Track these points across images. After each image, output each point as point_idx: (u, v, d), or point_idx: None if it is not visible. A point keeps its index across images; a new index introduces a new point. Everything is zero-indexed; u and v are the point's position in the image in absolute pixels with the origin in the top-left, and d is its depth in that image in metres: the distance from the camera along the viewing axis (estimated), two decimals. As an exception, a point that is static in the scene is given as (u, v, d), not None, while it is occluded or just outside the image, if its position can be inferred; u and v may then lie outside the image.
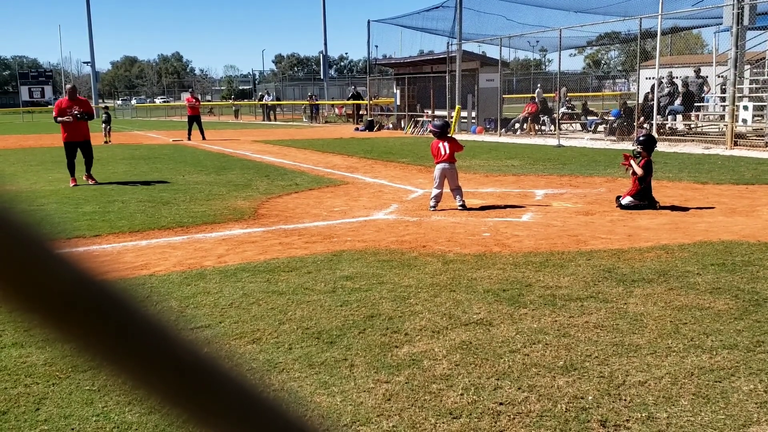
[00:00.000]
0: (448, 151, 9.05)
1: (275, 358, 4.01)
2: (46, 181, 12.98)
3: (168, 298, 5.22)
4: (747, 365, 3.76)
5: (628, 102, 22.49)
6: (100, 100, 60.62)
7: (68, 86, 12.94)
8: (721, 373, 3.68)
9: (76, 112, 11.98)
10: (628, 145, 18.12)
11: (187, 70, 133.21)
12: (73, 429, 3.20)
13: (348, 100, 40.20)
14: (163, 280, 5.77)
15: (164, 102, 73.44)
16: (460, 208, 9.02)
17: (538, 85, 33.05)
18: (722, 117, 19.02)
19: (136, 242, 7.43)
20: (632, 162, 8.88)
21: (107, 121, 24.91)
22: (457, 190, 9.11)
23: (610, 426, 3.14)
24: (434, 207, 9.07)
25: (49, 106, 41.06)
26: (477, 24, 28.28)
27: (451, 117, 26.65)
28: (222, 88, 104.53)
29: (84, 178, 12.37)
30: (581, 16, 25.91)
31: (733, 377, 3.62)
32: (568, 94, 30.44)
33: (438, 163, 9.09)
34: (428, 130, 9.59)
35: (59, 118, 12.04)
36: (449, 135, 9.45)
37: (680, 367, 3.76)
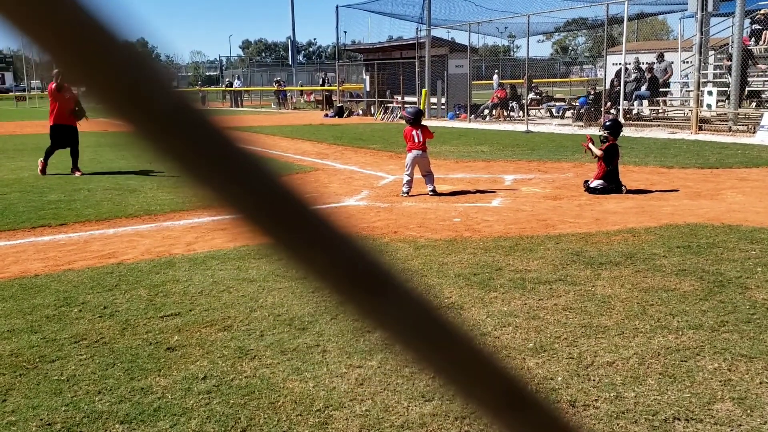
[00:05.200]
0: (421, 139, 9.07)
1: (247, 345, 3.99)
2: (8, 170, 12.70)
3: (137, 287, 5.16)
4: (712, 344, 3.85)
5: (597, 87, 22.72)
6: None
7: (56, 71, 12.36)
8: (686, 352, 3.76)
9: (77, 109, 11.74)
10: (596, 131, 18.33)
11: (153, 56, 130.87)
12: (41, 419, 3.15)
13: (321, 85, 39.82)
14: (131, 268, 5.70)
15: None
16: (431, 193, 9.05)
17: (495, 72, 33.49)
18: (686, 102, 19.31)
19: (103, 231, 7.32)
20: (590, 145, 9.04)
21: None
22: (428, 176, 9.15)
23: (579, 406, 3.19)
24: (407, 193, 9.08)
25: (10, 93, 40.05)
26: (446, 10, 28.29)
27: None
28: (188, 74, 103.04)
29: (73, 173, 11.95)
30: (549, 2, 26.03)
31: (698, 356, 3.70)
32: (534, 81, 30.65)
33: (411, 150, 9.08)
34: (400, 116, 9.58)
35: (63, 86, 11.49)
36: (422, 123, 9.43)
37: (647, 348, 3.83)
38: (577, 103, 23.26)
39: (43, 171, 11.86)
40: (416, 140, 9.05)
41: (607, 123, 9.48)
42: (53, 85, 12.01)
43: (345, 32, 45.35)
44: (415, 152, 9.04)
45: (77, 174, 11.89)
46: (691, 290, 4.82)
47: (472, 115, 25.06)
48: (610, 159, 8.88)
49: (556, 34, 56.13)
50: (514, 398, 0.43)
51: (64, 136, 11.87)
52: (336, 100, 34.27)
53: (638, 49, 24.52)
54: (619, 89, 19.53)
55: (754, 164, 11.40)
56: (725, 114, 17.52)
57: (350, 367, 3.66)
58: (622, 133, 9.44)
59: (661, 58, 21.03)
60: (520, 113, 24.14)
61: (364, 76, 32.16)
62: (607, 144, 8.93)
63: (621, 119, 18.52)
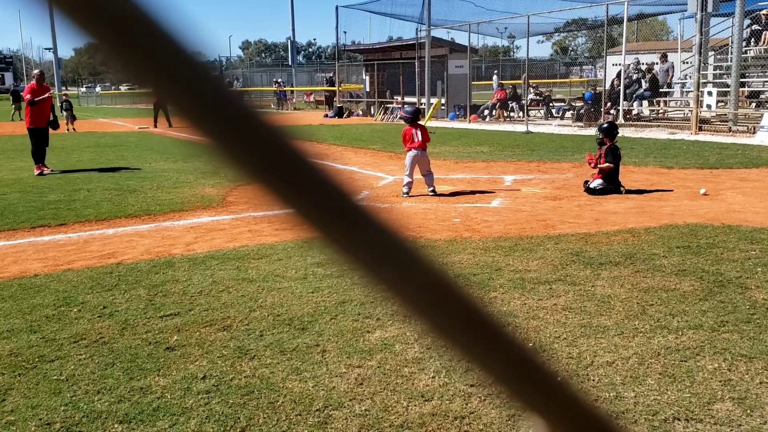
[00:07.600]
0: (420, 138, 9.05)
1: (246, 344, 3.99)
2: (8, 170, 12.70)
3: (136, 287, 5.16)
4: (711, 344, 3.85)
5: (597, 88, 22.72)
6: (63, 88, 59.28)
7: (37, 72, 12.74)
8: (686, 352, 3.75)
9: (51, 119, 12.39)
10: (594, 132, 18.30)
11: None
12: (40, 419, 3.15)
13: (326, 85, 39.68)
14: (131, 268, 5.70)
15: (130, 89, 72.10)
16: (432, 194, 9.04)
17: (495, 72, 33.55)
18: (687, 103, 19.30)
19: (103, 231, 7.32)
20: (599, 166, 8.96)
21: (69, 109, 24.60)
22: (429, 176, 9.13)
23: (579, 406, 3.18)
24: (407, 194, 9.07)
25: (7, 94, 40.04)
26: (446, 10, 28.29)
27: (423, 104, 26.64)
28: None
29: (35, 171, 12.09)
30: (549, 2, 26.00)
31: (698, 356, 3.70)
32: (533, 81, 30.68)
33: (411, 149, 9.05)
34: (399, 117, 9.56)
35: (36, 99, 11.96)
36: (420, 122, 9.42)
37: (647, 348, 3.83)
38: (577, 104, 23.24)
39: (41, 172, 11.90)
40: (415, 139, 9.02)
41: (604, 126, 9.48)
42: (35, 86, 12.15)
43: (345, 33, 45.28)
44: (414, 151, 9.00)
45: (46, 171, 12.10)
46: (690, 290, 4.82)
47: (472, 115, 25.07)
48: (614, 159, 8.90)
49: (556, 34, 56.14)
50: (480, 330, 0.43)
51: (41, 136, 12.22)
52: (336, 100, 34.25)
53: (638, 50, 24.53)
54: (620, 90, 19.52)
55: (753, 164, 11.40)
56: (725, 114, 17.51)
57: (350, 366, 3.66)
58: (621, 134, 9.44)
59: (664, 58, 21.02)
60: (520, 114, 24.13)
61: (364, 77, 32.16)
62: (605, 147, 8.95)
63: (620, 120, 18.53)
